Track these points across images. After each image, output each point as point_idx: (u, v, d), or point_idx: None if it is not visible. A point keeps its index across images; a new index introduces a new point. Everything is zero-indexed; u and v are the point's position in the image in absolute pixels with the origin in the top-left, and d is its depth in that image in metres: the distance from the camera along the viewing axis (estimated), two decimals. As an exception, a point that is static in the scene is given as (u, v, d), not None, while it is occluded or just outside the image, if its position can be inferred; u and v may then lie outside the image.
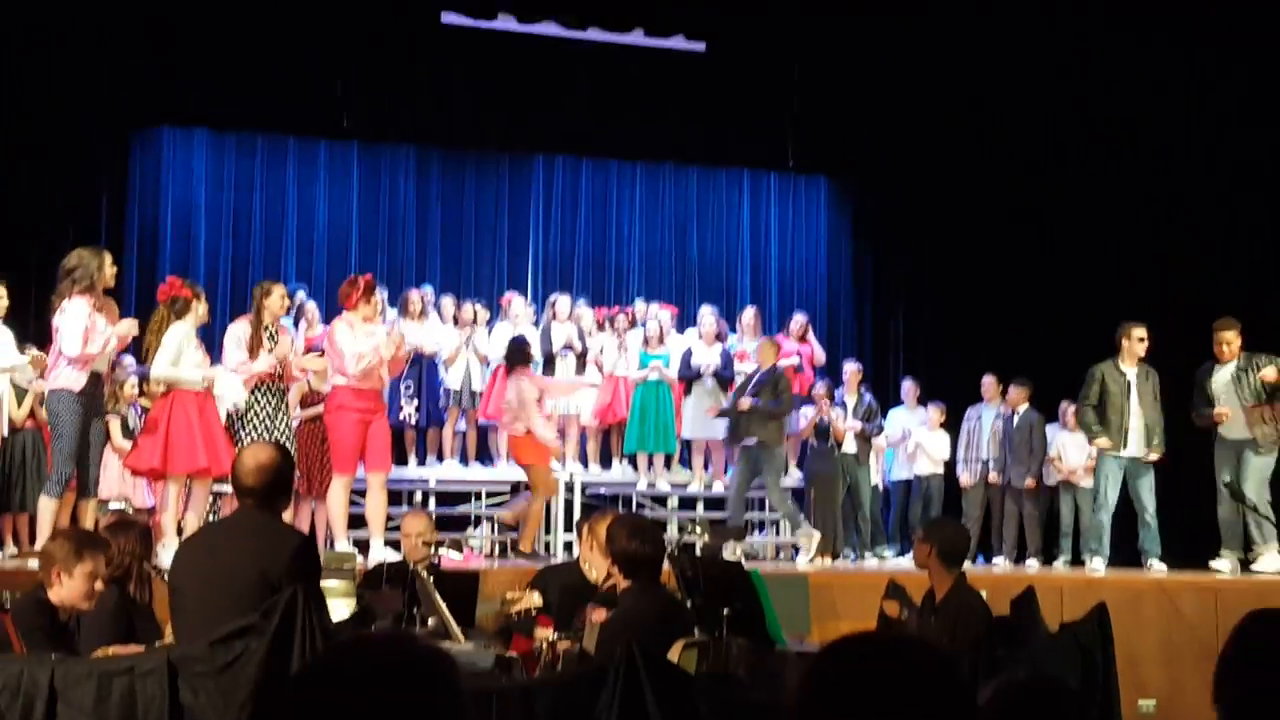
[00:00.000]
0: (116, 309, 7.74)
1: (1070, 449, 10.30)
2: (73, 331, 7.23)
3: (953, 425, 11.06)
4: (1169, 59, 10.33)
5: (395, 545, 7.64)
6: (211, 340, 8.69)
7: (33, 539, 8.11)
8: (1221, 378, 8.90)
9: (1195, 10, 9.91)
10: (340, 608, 5.17)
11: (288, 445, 8.13)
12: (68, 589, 4.56)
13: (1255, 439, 8.75)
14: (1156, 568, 8.92)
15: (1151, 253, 10.68)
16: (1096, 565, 9.12)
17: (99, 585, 4.63)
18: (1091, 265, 11.13)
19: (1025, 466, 10.42)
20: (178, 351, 7.62)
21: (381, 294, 9.18)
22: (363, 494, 8.44)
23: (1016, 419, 10.56)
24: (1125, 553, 9.30)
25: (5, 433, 8.13)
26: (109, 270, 7.54)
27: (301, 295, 10.58)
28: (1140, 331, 9.19)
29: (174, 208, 12.24)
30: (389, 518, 8.57)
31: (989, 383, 10.88)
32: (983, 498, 10.75)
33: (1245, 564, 8.82)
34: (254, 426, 7.93)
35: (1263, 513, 8.52)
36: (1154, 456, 9.09)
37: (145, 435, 7.80)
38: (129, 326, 7.67)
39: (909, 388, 11.54)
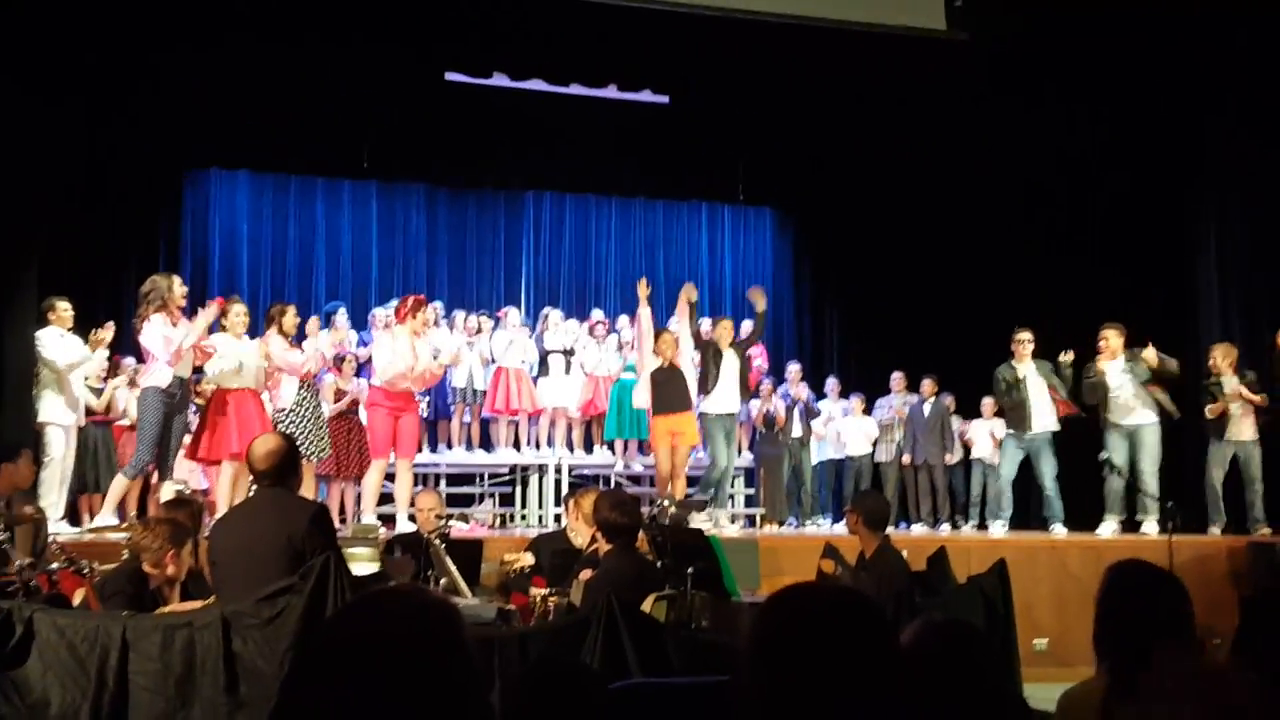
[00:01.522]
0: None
1: (980, 432, 10.37)
2: (156, 341, 7.33)
3: (868, 413, 11.17)
4: (1049, 114, 10.55)
5: (414, 519, 7.62)
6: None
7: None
8: (1114, 371, 8.93)
9: (1070, 76, 10.14)
10: (367, 570, 5.15)
11: (323, 431, 8.13)
12: (180, 564, 4.68)
13: (1151, 422, 8.78)
14: (1058, 531, 8.95)
15: (1036, 270, 10.81)
16: (997, 528, 9.17)
17: (187, 555, 4.77)
18: (988, 280, 11.19)
19: (938, 446, 10.49)
20: (219, 355, 7.64)
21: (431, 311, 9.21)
22: (393, 477, 8.41)
23: (927, 407, 10.63)
24: (1022, 518, 9.35)
25: (83, 422, 8.09)
26: (178, 291, 7.57)
27: (342, 311, 10.54)
28: (1023, 335, 9.27)
29: (221, 237, 12.17)
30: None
31: (898, 378, 10.99)
32: (897, 473, 10.81)
33: (1134, 527, 8.85)
34: (300, 417, 7.92)
35: (1148, 490, 8.58)
36: (1066, 357, 9.04)
37: (197, 429, 7.79)
38: (206, 316, 7.63)
39: (832, 384, 11.60)
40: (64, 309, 7.79)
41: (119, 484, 7.50)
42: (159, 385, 7.37)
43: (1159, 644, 2.50)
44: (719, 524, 9.07)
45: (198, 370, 7.82)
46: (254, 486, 8.08)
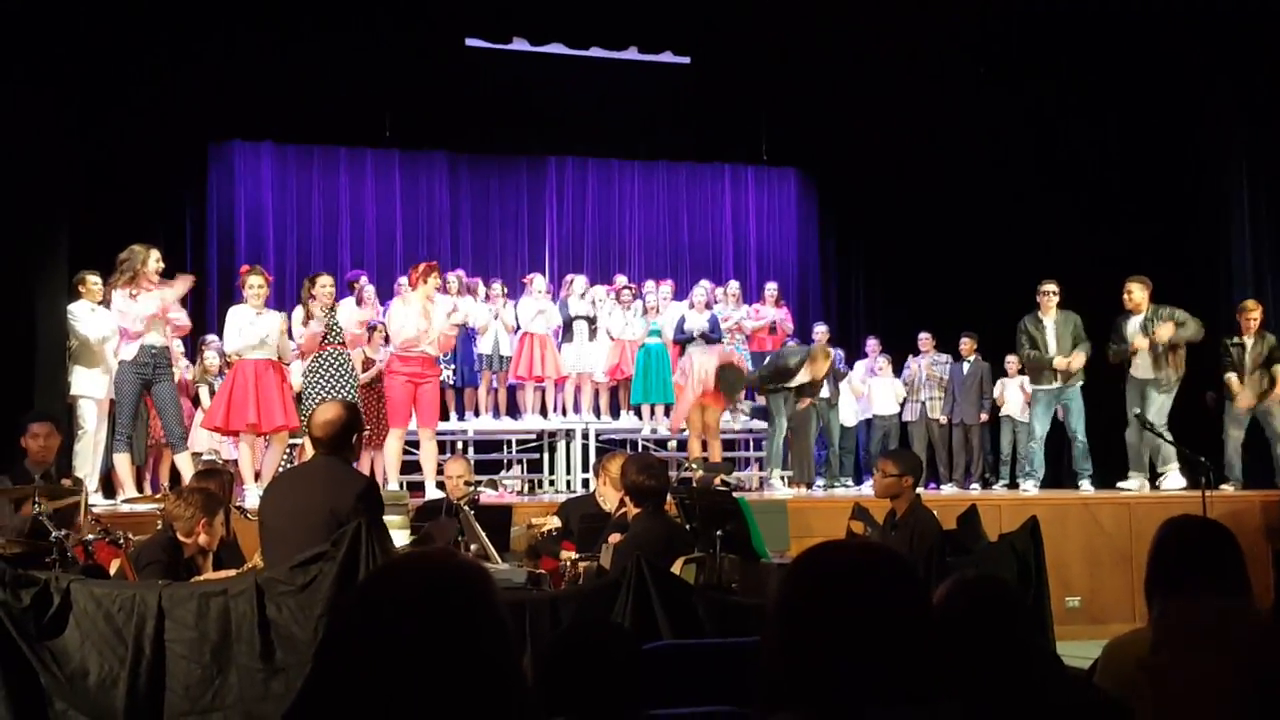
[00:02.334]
0: (171, 282, 7.80)
1: (1010, 390, 10.30)
2: (121, 317, 7.44)
3: (896, 373, 11.11)
4: (1077, 68, 10.41)
5: (442, 486, 7.66)
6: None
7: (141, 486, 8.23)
8: (1133, 325, 8.86)
9: (1098, 29, 9.97)
10: (397, 537, 5.17)
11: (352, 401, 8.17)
12: (213, 533, 4.72)
13: (1158, 379, 8.71)
14: (1086, 486, 8.90)
15: (1063, 227, 10.68)
16: (1029, 487, 9.12)
17: (219, 524, 4.80)
18: (1015, 238, 11.04)
19: (975, 405, 10.44)
20: (238, 328, 7.71)
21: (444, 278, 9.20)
22: (416, 445, 8.45)
23: (966, 366, 10.57)
24: (1055, 475, 9.29)
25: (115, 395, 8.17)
26: (153, 264, 7.59)
27: (364, 279, 10.55)
28: (1048, 286, 9.18)
29: (246, 210, 12.21)
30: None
31: (925, 338, 10.92)
32: (925, 432, 10.77)
33: (1152, 483, 8.81)
34: (324, 384, 7.97)
35: (1166, 438, 8.51)
36: (1076, 364, 8.96)
37: (215, 399, 7.91)
38: (183, 284, 7.74)
39: (873, 344, 11.49)
40: (94, 283, 7.85)
41: (118, 460, 7.62)
42: (127, 359, 7.49)
43: (1209, 596, 2.49)
44: (774, 485, 9.47)
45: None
46: (290, 453, 8.26)
